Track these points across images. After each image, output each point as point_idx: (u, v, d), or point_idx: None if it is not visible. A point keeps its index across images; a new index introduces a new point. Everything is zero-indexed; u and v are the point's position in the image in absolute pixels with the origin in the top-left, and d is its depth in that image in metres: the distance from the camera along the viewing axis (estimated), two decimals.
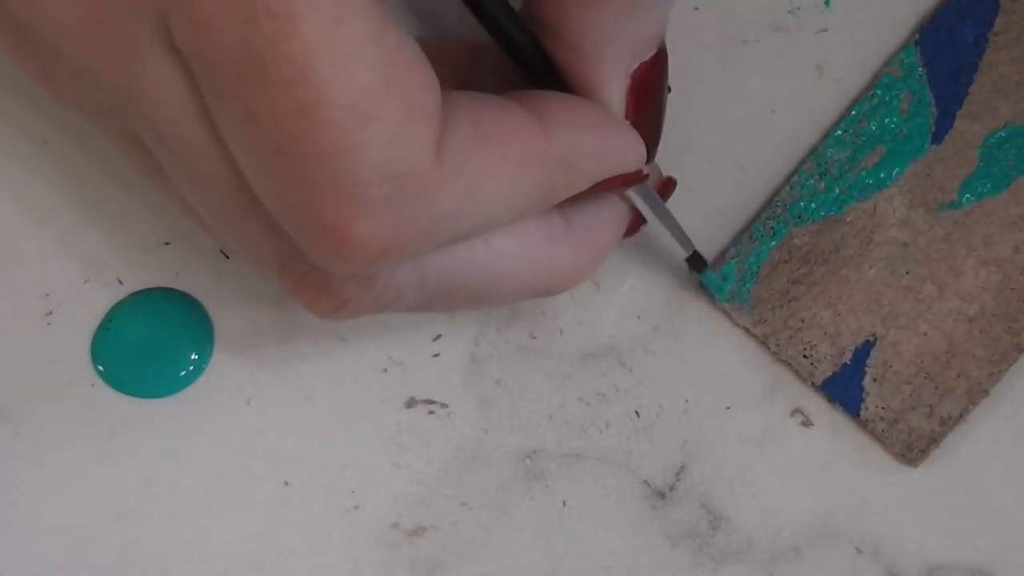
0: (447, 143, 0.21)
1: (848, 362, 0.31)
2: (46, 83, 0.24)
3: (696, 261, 0.31)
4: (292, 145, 0.20)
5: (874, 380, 0.31)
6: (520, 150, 0.23)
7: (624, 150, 0.26)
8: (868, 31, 0.32)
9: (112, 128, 0.24)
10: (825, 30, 0.33)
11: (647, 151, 0.26)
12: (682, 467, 0.32)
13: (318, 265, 0.22)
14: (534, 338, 0.32)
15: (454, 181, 0.21)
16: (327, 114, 0.19)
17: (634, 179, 0.26)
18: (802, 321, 0.31)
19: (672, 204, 0.31)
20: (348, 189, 0.20)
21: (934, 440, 0.31)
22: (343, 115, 0.19)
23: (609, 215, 0.27)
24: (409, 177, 0.20)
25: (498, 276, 0.25)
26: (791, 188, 0.32)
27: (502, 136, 0.22)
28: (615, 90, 0.26)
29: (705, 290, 0.31)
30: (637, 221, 0.29)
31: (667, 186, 0.29)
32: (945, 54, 0.32)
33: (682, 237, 0.30)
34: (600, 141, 0.25)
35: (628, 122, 0.26)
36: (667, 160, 0.29)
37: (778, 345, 0.31)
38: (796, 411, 0.32)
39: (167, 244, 0.32)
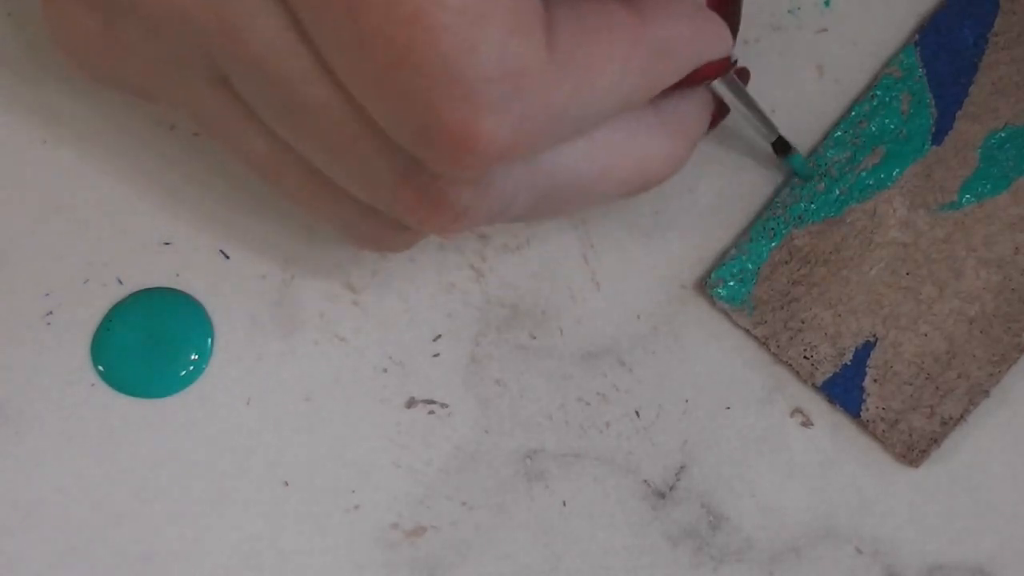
0: (555, 37, 0.22)
1: (849, 363, 0.31)
2: (104, 47, 0.24)
3: (781, 146, 0.31)
4: (406, 56, 0.20)
5: (875, 381, 0.31)
6: (623, 40, 0.23)
7: (713, 37, 0.26)
8: (868, 31, 0.32)
9: (185, 81, 0.24)
10: (825, 30, 0.33)
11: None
12: (682, 467, 0.32)
13: (439, 174, 0.23)
14: (534, 338, 0.32)
15: (566, 74, 0.22)
16: (438, 19, 0.20)
17: (723, 67, 0.27)
18: (802, 322, 0.31)
19: (672, 204, 0.31)
20: (467, 91, 0.21)
21: (935, 441, 0.31)
22: (454, 18, 0.20)
23: (696, 104, 0.28)
24: (524, 73, 0.21)
25: (601, 172, 0.26)
26: (791, 189, 0.32)
27: (606, 28, 0.23)
28: None
29: (796, 174, 0.32)
30: (720, 112, 0.29)
31: (743, 75, 0.30)
32: (945, 55, 0.32)
33: (766, 122, 0.30)
34: (693, 28, 0.25)
35: (712, 12, 0.27)
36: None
37: (778, 346, 0.31)
38: (796, 411, 0.32)
39: (167, 244, 0.32)
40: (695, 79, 0.27)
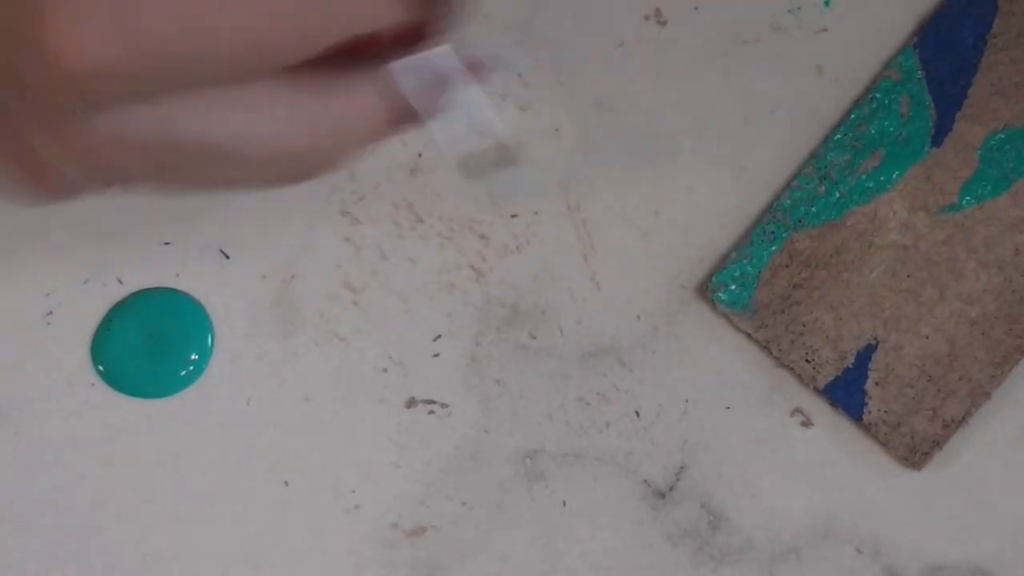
0: None
1: (850, 366, 0.31)
2: None
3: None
4: None
5: (876, 384, 0.31)
6: None
7: None
8: (868, 31, 0.32)
9: None
10: (825, 30, 0.33)
11: (433, 17, 0.22)
12: (682, 467, 0.32)
13: (31, 114, 0.22)
14: (534, 338, 0.32)
15: (180, 7, 0.20)
16: None
17: (394, 39, 0.22)
18: (803, 325, 0.31)
19: (672, 204, 0.31)
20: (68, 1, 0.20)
21: (937, 443, 0.31)
22: None
23: (358, 94, 0.24)
24: None
25: (229, 139, 0.23)
26: (791, 192, 0.32)
27: None
28: None
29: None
30: (404, 110, 0.23)
31: (476, 67, 0.24)
32: (944, 57, 0.32)
33: (486, 127, 0.24)
34: None
35: None
36: (667, 159, 0.29)
37: (780, 350, 0.31)
38: (796, 411, 0.32)
39: (167, 244, 0.32)
40: (359, 50, 0.22)
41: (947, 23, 0.32)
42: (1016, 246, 0.31)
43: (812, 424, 0.32)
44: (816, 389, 0.31)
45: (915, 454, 0.31)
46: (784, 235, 0.31)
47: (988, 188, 0.31)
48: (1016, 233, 0.31)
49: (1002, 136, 0.31)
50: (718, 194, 0.32)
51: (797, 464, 0.32)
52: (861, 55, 0.32)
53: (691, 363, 0.32)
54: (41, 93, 0.21)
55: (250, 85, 0.23)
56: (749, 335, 0.31)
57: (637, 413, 0.32)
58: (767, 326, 0.31)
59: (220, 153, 0.23)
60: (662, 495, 0.32)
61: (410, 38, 0.22)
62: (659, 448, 0.32)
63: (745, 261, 0.31)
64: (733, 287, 0.31)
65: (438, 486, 0.31)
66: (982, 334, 0.31)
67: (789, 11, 0.33)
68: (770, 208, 0.32)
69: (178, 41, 0.21)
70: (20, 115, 0.22)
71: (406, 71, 0.22)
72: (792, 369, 0.31)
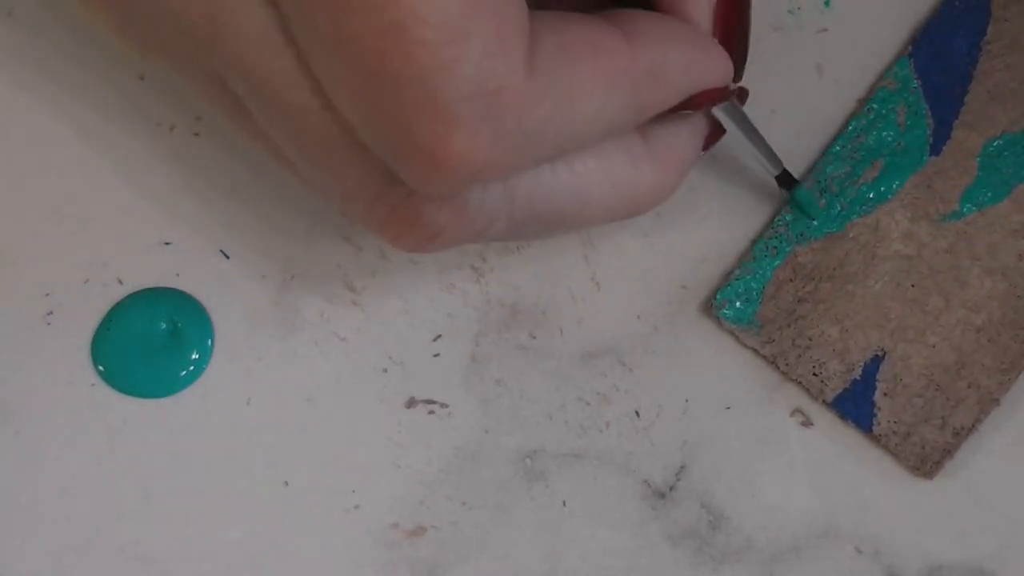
0: (537, 58, 0.21)
1: (858, 378, 0.31)
2: (128, 33, 0.24)
3: (786, 179, 0.30)
4: (384, 66, 0.20)
5: (885, 395, 0.31)
6: (608, 63, 0.23)
7: (711, 65, 0.26)
8: (868, 31, 0.32)
9: (196, 73, 0.24)
10: (825, 30, 0.33)
11: (735, 69, 0.27)
12: (682, 467, 0.32)
13: (413, 190, 0.23)
14: (534, 338, 0.32)
15: (545, 96, 0.22)
16: (418, 33, 0.20)
17: (720, 96, 0.26)
18: (810, 339, 0.31)
19: (672, 204, 0.31)
20: (442, 107, 0.20)
21: (948, 452, 0.31)
22: (434, 33, 0.20)
23: (687, 131, 0.27)
24: (501, 93, 0.21)
25: (582, 199, 0.25)
26: (792, 207, 0.32)
27: (590, 50, 0.23)
28: (702, 6, 0.26)
29: (799, 208, 0.31)
30: (715, 135, 0.28)
31: (742, 95, 0.29)
32: (939, 65, 0.32)
33: (770, 155, 0.30)
34: (687, 55, 0.25)
35: (715, 39, 0.26)
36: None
37: (787, 364, 0.31)
38: (796, 411, 0.32)
39: (167, 244, 0.32)
40: (690, 105, 0.26)
41: (941, 32, 0.32)
42: (1019, 252, 0.31)
43: (812, 424, 0.32)
44: (825, 403, 0.31)
45: (926, 463, 0.31)
46: (787, 249, 0.31)
47: (989, 195, 0.31)
48: (1019, 239, 0.31)
49: (1000, 142, 0.31)
50: (718, 193, 0.32)
51: (797, 464, 0.32)
52: (861, 56, 0.32)
53: (691, 363, 0.32)
54: (416, 184, 0.22)
55: (592, 148, 0.25)
56: (756, 351, 0.31)
57: (637, 413, 0.32)
58: (773, 341, 0.31)
59: (575, 212, 0.26)
60: (662, 495, 0.32)
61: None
62: (659, 448, 0.32)
63: (749, 277, 0.31)
64: (738, 303, 0.31)
65: (438, 486, 0.31)
66: (989, 341, 0.31)
67: (789, 11, 0.33)
68: (772, 223, 0.32)
69: (551, 137, 0.22)
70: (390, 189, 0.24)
71: (723, 110, 0.27)
72: (800, 383, 0.31)
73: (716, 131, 0.28)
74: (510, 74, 0.21)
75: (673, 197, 0.30)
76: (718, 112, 0.27)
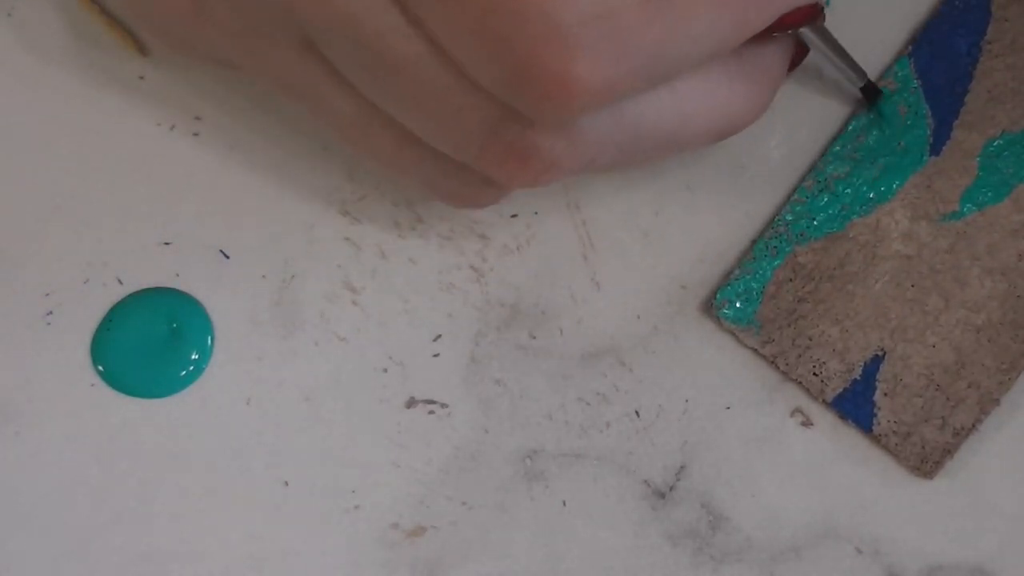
0: None
1: (858, 378, 0.31)
2: (193, 22, 0.24)
3: (870, 91, 0.31)
4: (497, 2, 0.20)
5: (885, 395, 0.31)
6: None
7: None
8: (868, 31, 0.32)
9: (271, 48, 0.24)
10: None
11: None
12: (682, 467, 0.32)
13: (528, 126, 0.23)
14: (534, 338, 0.32)
15: (660, 17, 0.22)
16: None
17: (811, 13, 0.27)
18: (810, 339, 0.31)
19: (672, 203, 0.31)
20: (563, 33, 0.21)
21: (948, 452, 0.31)
22: None
23: (778, 49, 0.28)
24: (618, 14, 0.21)
25: (684, 120, 0.26)
26: (792, 206, 0.32)
27: None
28: None
29: (882, 120, 0.32)
30: (801, 53, 0.29)
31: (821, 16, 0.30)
32: (939, 65, 0.32)
33: (855, 68, 0.30)
34: None
35: None
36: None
37: (787, 364, 0.31)
38: (796, 411, 0.32)
39: (167, 244, 0.32)
40: (781, 25, 0.27)
41: (941, 31, 0.32)
42: (1019, 251, 0.31)
43: (812, 424, 0.32)
44: (825, 402, 0.31)
45: (926, 463, 0.31)
46: (787, 249, 0.31)
47: (989, 195, 0.31)
48: (1019, 239, 0.31)
49: (1000, 142, 0.31)
50: (717, 192, 0.32)
51: (797, 464, 0.32)
52: (861, 56, 0.32)
53: (691, 363, 0.32)
54: (540, 114, 0.23)
55: (693, 70, 0.25)
56: (755, 350, 0.31)
57: (637, 413, 0.32)
58: (773, 341, 0.31)
59: (677, 134, 0.26)
60: (662, 495, 0.32)
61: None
62: (659, 448, 0.32)
63: (749, 277, 0.31)
64: (738, 303, 0.31)
65: (438, 486, 0.31)
66: (989, 341, 0.31)
67: None
68: (772, 223, 0.32)
69: (665, 58, 0.23)
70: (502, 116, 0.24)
71: (811, 28, 0.28)
72: (800, 383, 0.31)
73: (801, 50, 0.29)
74: None
75: (673, 197, 0.30)
76: (805, 31, 0.28)
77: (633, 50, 0.22)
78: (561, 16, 0.21)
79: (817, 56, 0.30)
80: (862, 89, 0.31)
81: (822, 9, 0.28)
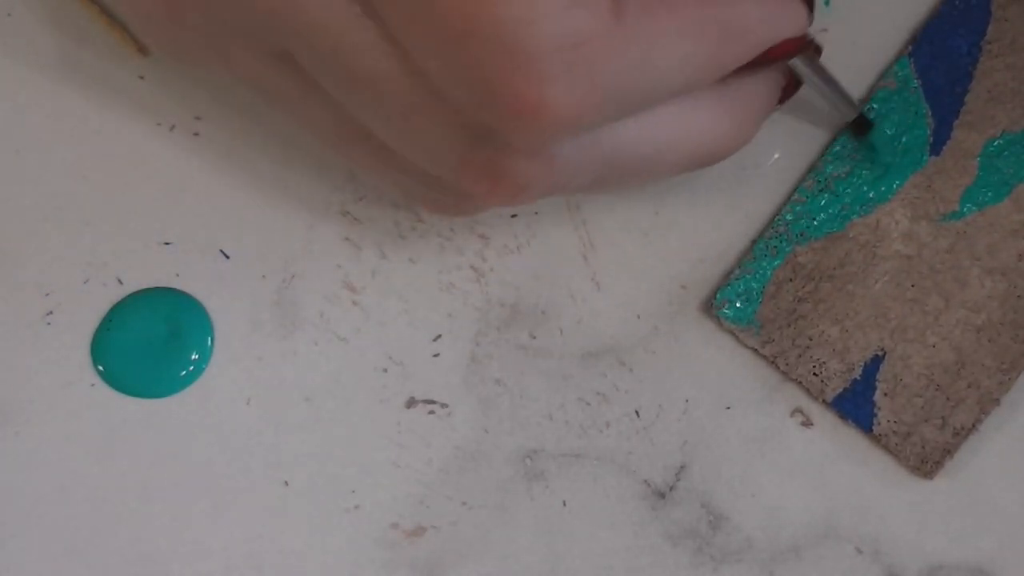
0: (622, 7, 0.22)
1: (858, 378, 0.31)
2: (167, 24, 0.24)
3: (861, 124, 0.31)
4: (471, 26, 0.20)
5: (885, 395, 0.31)
6: (693, 17, 0.23)
7: (788, 16, 0.26)
8: (868, 31, 0.32)
9: (247, 55, 0.24)
10: (825, 30, 0.33)
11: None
12: (682, 467, 0.32)
13: (502, 147, 0.23)
14: (534, 338, 0.32)
15: (631, 47, 0.22)
16: None
17: (798, 45, 0.27)
18: (810, 339, 0.31)
19: (672, 203, 0.31)
20: (530, 61, 0.21)
21: (948, 452, 0.31)
22: None
23: (765, 81, 0.28)
24: (587, 43, 0.21)
25: (662, 149, 0.26)
26: (792, 206, 0.32)
27: (677, 3, 0.23)
28: None
29: (872, 153, 0.31)
30: (791, 86, 0.29)
31: (817, 49, 0.29)
32: (939, 65, 0.32)
33: (846, 102, 0.30)
34: (766, 7, 0.25)
35: None
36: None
37: (787, 364, 0.31)
38: (796, 411, 0.32)
39: (167, 244, 0.32)
40: (768, 58, 0.26)
41: (941, 31, 0.32)
42: (1019, 251, 0.31)
43: (812, 424, 0.32)
44: (825, 402, 0.31)
45: (926, 463, 0.31)
46: (787, 249, 0.31)
47: (989, 194, 0.31)
48: (1019, 239, 0.31)
49: (1000, 142, 0.31)
50: (718, 192, 0.32)
51: (797, 464, 0.32)
52: (861, 56, 0.32)
53: (691, 363, 0.32)
54: (511, 139, 0.23)
55: (672, 99, 0.25)
56: (755, 350, 0.31)
57: (637, 413, 0.32)
58: (773, 341, 0.31)
59: (653, 162, 0.26)
60: (662, 495, 0.32)
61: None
62: (659, 448, 0.32)
63: (749, 276, 0.31)
64: (738, 303, 0.31)
65: (438, 486, 0.32)
66: (989, 341, 0.31)
67: None
68: (772, 222, 0.32)
69: (638, 88, 0.23)
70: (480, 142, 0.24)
71: (801, 59, 0.28)
72: (800, 383, 0.31)
73: (793, 82, 0.29)
74: (594, 23, 0.21)
75: (673, 196, 0.30)
76: (796, 63, 0.28)
77: (603, 80, 0.22)
78: (533, 43, 0.21)
79: (808, 89, 0.29)
80: (853, 122, 0.31)
81: (812, 41, 0.28)
